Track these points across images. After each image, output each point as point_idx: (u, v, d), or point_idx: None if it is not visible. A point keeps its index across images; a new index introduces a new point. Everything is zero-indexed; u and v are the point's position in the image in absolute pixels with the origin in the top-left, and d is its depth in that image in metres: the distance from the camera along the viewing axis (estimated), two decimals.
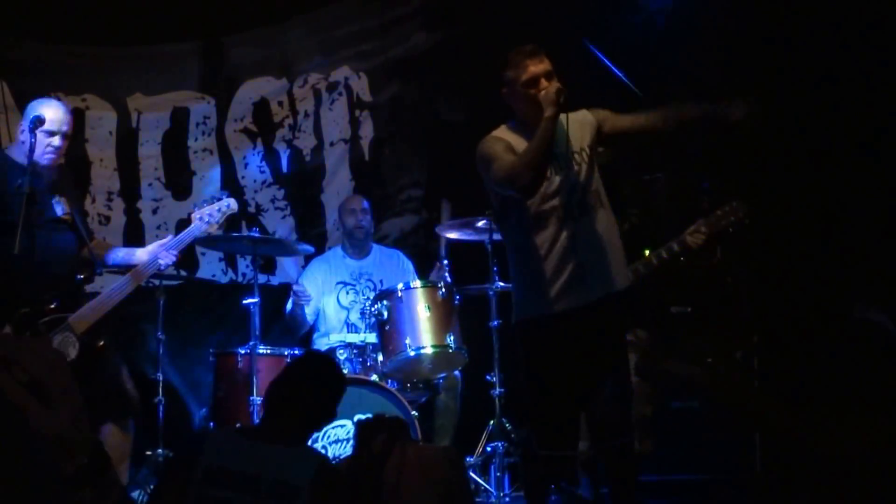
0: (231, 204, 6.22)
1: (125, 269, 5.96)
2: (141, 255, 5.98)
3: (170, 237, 6.17)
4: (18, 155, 5.71)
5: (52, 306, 5.48)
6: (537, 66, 4.83)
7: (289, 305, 7.09)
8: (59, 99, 6.03)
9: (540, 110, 4.71)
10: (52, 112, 5.75)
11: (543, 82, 4.78)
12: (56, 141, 5.74)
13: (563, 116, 4.79)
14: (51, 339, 5.39)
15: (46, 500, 1.51)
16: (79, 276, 5.74)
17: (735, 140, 7.53)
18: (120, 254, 6.06)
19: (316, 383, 4.15)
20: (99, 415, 5.45)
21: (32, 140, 5.57)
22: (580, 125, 4.97)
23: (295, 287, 7.04)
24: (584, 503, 6.26)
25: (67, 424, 1.57)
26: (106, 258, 6.01)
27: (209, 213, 6.11)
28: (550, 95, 4.69)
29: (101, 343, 5.63)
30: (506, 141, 4.87)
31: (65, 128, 5.79)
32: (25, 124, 5.71)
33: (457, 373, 6.75)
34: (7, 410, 1.48)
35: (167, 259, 5.94)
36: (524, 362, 4.90)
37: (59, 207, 5.73)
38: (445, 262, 6.85)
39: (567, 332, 4.78)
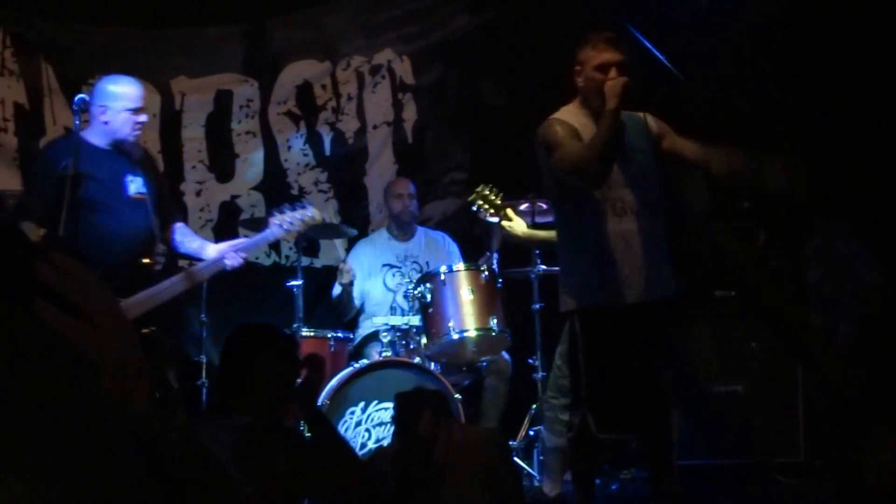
0: (313, 214, 5.98)
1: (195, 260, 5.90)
2: (210, 251, 5.82)
3: (242, 239, 6.12)
4: (94, 137, 5.64)
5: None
6: (612, 55, 4.85)
7: (336, 289, 7.10)
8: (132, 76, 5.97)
9: (603, 99, 4.74)
10: (134, 89, 5.70)
11: (613, 72, 4.79)
12: (142, 117, 5.69)
13: (625, 113, 4.84)
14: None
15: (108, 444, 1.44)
16: (141, 260, 5.59)
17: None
18: (194, 244, 5.94)
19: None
20: None
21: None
22: (639, 126, 5.03)
23: (340, 265, 7.06)
24: None
25: (121, 349, 1.49)
26: (176, 244, 5.94)
27: (289, 221, 5.89)
28: (616, 88, 4.70)
29: (147, 330, 5.45)
30: (570, 125, 4.89)
31: (146, 103, 5.81)
32: (106, 102, 5.62)
33: (507, 357, 6.74)
34: (50, 340, 1.41)
35: (234, 261, 5.74)
36: (581, 345, 4.93)
37: (133, 186, 5.66)
38: (496, 254, 6.79)
39: (620, 323, 4.82)
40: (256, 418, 3.60)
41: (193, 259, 5.95)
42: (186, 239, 5.98)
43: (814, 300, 6.81)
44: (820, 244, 6.84)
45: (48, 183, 5.39)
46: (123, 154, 5.68)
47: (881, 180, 6.99)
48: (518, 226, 5.80)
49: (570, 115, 4.94)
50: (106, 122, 5.62)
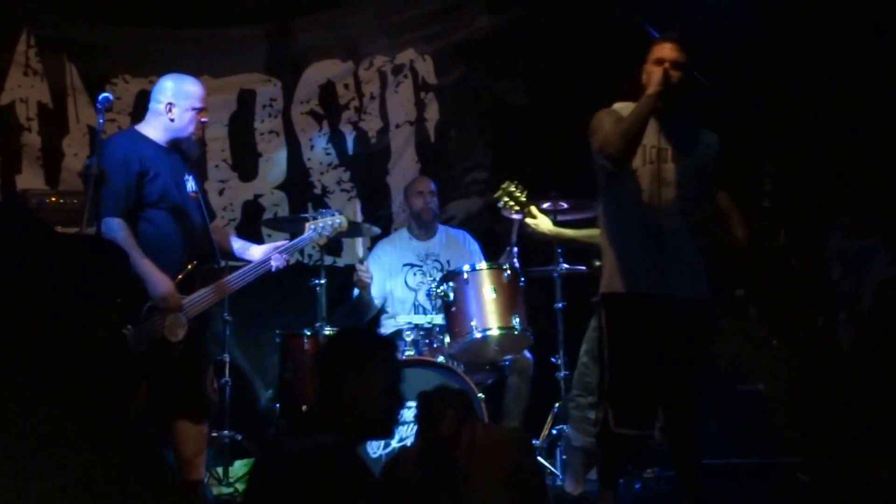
0: (342, 221, 6.11)
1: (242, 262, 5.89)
2: (255, 252, 5.87)
3: (284, 241, 6.14)
4: (153, 133, 5.60)
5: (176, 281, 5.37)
6: (670, 52, 4.93)
7: (355, 290, 7.10)
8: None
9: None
10: (199, 88, 5.68)
11: (667, 65, 4.87)
12: (205, 116, 5.69)
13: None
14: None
15: None
16: (194, 262, 5.51)
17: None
18: (236, 245, 5.96)
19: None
20: (175, 411, 5.41)
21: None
22: (710, 141, 5.14)
23: (357, 267, 7.05)
24: None
25: None
26: (223, 245, 5.91)
27: (322, 226, 6.00)
28: (657, 75, 4.83)
29: (205, 330, 5.57)
30: (617, 113, 4.98)
31: (207, 104, 5.76)
32: (173, 100, 5.57)
33: (529, 356, 6.74)
34: None
35: (279, 262, 5.80)
36: (606, 336, 4.95)
37: (189, 184, 5.64)
38: (515, 248, 6.80)
39: (649, 314, 4.84)
40: (339, 440, 3.45)
41: (240, 261, 5.96)
42: (227, 240, 6.01)
43: (836, 297, 6.81)
44: (840, 241, 6.84)
45: (129, 179, 5.39)
46: (180, 152, 5.69)
47: None
48: (543, 223, 5.79)
49: (622, 106, 5.01)
50: (172, 120, 5.60)
